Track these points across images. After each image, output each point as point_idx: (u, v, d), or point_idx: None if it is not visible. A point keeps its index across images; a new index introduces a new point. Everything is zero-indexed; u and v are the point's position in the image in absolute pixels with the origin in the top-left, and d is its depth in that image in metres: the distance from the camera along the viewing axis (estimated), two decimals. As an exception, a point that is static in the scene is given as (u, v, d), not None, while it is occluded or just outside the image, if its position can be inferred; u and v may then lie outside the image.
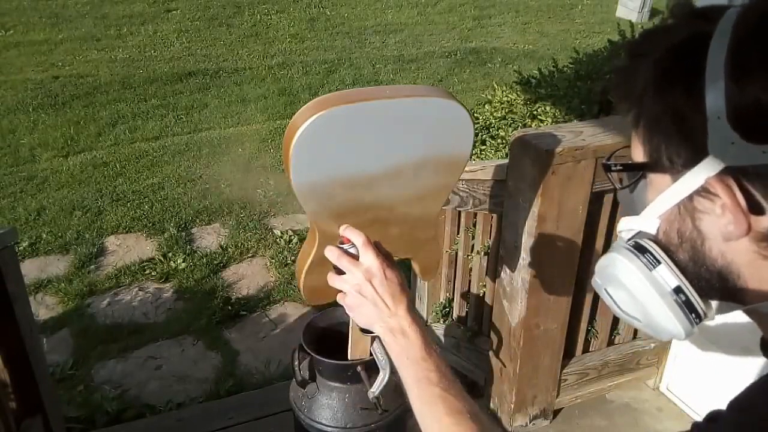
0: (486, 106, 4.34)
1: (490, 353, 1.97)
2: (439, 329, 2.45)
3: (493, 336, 1.95)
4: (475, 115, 4.24)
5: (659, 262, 0.60)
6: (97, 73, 6.62)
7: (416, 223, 1.22)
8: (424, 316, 2.50)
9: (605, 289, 0.68)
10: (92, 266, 3.84)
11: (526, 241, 1.69)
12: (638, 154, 0.61)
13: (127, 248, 4.03)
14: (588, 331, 2.06)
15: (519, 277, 1.76)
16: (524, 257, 1.72)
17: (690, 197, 0.57)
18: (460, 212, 2.21)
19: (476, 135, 3.88)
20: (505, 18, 8.97)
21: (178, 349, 3.21)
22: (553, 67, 4.32)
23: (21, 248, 3.87)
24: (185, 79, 6.59)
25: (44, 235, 4.09)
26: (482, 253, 2.12)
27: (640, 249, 0.62)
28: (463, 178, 1.89)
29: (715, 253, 0.58)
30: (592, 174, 1.63)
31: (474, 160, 3.58)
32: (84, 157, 5.15)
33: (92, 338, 3.26)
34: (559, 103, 3.77)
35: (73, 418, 2.69)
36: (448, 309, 2.44)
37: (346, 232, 1.04)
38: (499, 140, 3.95)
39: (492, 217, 2.03)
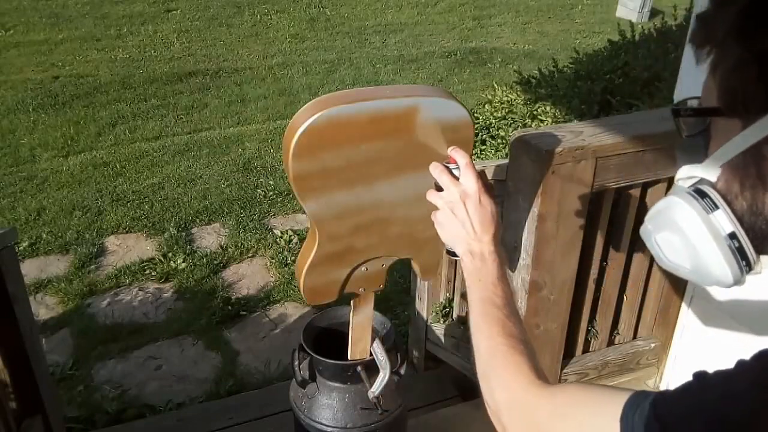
0: (486, 106, 4.35)
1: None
2: (439, 329, 2.45)
3: (493, 336, 1.95)
4: (475, 115, 4.23)
5: (717, 207, 0.61)
6: (97, 73, 6.61)
7: (417, 223, 1.22)
8: (424, 316, 2.50)
9: (654, 237, 0.69)
10: (92, 266, 3.84)
11: (526, 241, 1.69)
12: (711, 100, 0.61)
13: (127, 248, 4.03)
14: (588, 331, 2.06)
15: (519, 277, 1.76)
16: (524, 257, 1.72)
17: (758, 144, 0.57)
18: (460, 212, 2.21)
19: (476, 135, 3.88)
20: (505, 18, 8.97)
21: (178, 349, 3.21)
22: (553, 67, 4.32)
23: (21, 248, 3.87)
24: (185, 79, 6.58)
25: (44, 235, 4.08)
26: (482, 253, 2.12)
27: (699, 193, 0.63)
28: (463, 178, 1.89)
29: None
30: (592, 174, 1.63)
31: (474, 160, 3.58)
32: (84, 157, 5.15)
33: (92, 338, 3.26)
34: (559, 103, 3.78)
35: (73, 418, 2.69)
36: (448, 309, 2.44)
37: (453, 152, 1.05)
38: (499, 140, 3.95)
39: (492, 217, 2.02)
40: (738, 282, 0.63)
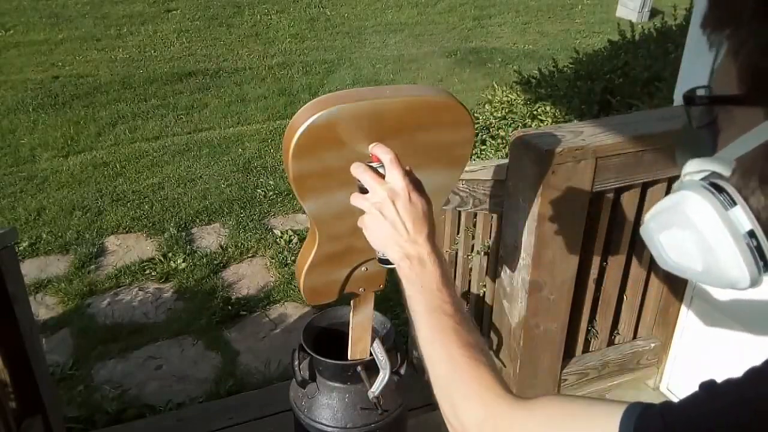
0: (486, 106, 4.35)
1: (491, 353, 1.96)
2: (439, 329, 2.44)
3: (493, 336, 1.95)
4: (475, 115, 4.23)
5: (735, 203, 0.57)
6: (97, 73, 6.62)
7: (416, 223, 1.22)
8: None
9: (657, 237, 0.64)
10: (92, 266, 3.84)
11: (526, 241, 1.69)
12: (729, 87, 0.57)
13: (127, 248, 4.03)
14: (588, 331, 2.06)
15: (519, 277, 1.76)
16: (524, 257, 1.72)
17: None
18: (460, 212, 2.21)
19: (476, 135, 3.88)
20: (505, 18, 8.97)
21: (178, 349, 3.21)
22: (553, 67, 4.32)
23: (21, 248, 3.87)
24: (185, 79, 6.59)
25: (44, 235, 4.08)
26: (482, 253, 2.12)
27: (716, 188, 0.58)
28: (463, 178, 1.89)
29: None
30: (592, 174, 1.63)
31: (474, 160, 3.58)
32: (84, 157, 5.15)
33: (92, 338, 3.26)
34: (559, 103, 3.78)
35: (73, 418, 2.70)
36: (448, 309, 2.44)
37: (375, 149, 0.94)
38: (499, 140, 3.95)
39: (492, 217, 2.03)
40: (755, 283, 0.59)
